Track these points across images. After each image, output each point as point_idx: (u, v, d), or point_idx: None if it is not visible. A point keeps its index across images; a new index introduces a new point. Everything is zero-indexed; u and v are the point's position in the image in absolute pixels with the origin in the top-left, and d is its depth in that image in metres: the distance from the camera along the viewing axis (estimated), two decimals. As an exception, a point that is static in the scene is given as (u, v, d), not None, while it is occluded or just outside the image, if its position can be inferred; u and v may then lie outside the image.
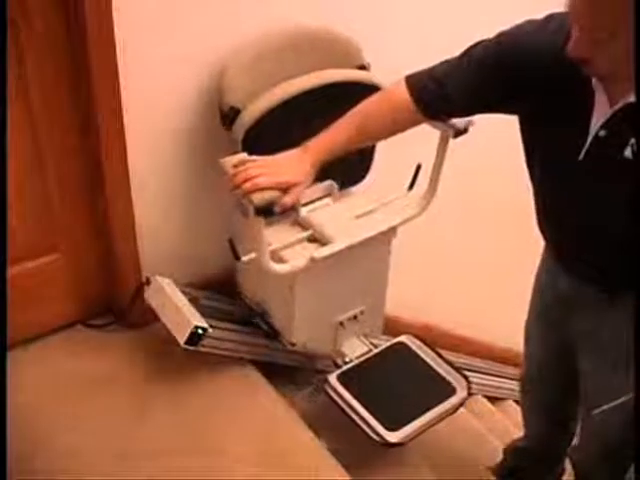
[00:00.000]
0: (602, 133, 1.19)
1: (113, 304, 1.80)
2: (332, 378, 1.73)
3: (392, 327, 2.04)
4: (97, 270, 1.74)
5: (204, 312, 1.62)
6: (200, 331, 1.54)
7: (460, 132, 1.56)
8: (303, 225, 1.71)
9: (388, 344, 1.87)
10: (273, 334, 1.77)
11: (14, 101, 1.40)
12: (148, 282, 1.69)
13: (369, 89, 1.64)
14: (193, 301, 1.66)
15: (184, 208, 1.77)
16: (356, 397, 1.70)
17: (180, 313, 1.58)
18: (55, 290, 1.71)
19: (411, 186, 1.74)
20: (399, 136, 1.71)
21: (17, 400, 1.21)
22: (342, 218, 1.71)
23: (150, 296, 1.67)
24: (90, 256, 1.72)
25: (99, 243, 1.69)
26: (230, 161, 1.38)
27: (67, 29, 1.39)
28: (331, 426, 1.71)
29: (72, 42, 1.41)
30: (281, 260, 1.62)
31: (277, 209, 1.33)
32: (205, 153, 1.69)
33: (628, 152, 1.17)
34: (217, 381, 1.66)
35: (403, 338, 1.88)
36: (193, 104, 1.61)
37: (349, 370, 1.78)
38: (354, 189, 1.84)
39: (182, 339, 1.54)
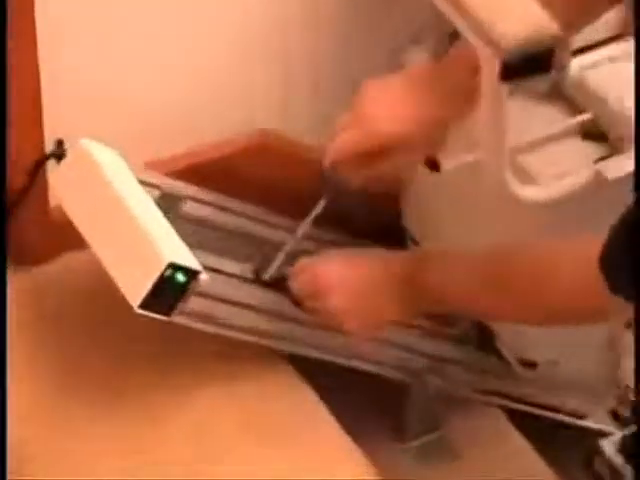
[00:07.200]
0: None
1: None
2: (608, 445, 0.86)
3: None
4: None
5: (188, 233, 0.75)
6: (181, 277, 0.67)
7: None
8: (570, 101, 0.86)
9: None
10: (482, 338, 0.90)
11: None
12: (60, 152, 0.80)
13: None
14: (164, 201, 0.80)
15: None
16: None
17: (141, 233, 0.70)
18: None
19: None
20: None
21: None
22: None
23: (63, 185, 0.78)
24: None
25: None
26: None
27: None
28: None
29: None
30: (524, 173, 0.78)
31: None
32: None
33: None
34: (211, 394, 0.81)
35: None
36: None
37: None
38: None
39: (138, 296, 0.66)
